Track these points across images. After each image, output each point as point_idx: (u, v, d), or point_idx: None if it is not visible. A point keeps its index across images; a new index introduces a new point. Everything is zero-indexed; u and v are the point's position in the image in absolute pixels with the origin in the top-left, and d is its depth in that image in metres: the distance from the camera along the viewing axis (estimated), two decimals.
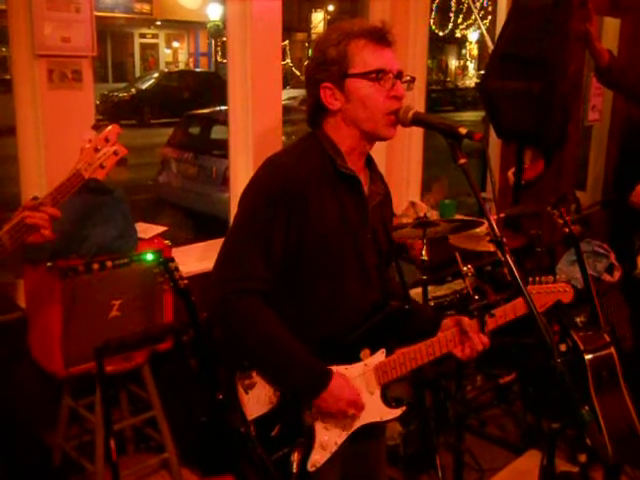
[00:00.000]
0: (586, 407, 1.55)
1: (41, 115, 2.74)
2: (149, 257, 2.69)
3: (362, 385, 1.78)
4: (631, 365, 3.29)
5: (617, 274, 3.71)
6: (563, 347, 3.02)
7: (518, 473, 2.85)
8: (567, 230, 3.08)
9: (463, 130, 1.65)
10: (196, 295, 2.74)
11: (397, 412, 1.84)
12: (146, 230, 2.92)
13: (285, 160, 1.74)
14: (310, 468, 1.73)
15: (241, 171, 3.59)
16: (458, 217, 4.11)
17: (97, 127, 1.99)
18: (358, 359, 1.79)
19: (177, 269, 2.67)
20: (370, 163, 1.87)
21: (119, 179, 1.92)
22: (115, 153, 1.91)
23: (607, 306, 3.88)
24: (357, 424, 1.79)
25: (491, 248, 3.16)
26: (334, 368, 1.74)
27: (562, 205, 3.10)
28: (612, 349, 2.96)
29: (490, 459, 3.23)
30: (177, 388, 3.01)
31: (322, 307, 1.77)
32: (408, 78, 1.75)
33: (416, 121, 1.74)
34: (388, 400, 1.83)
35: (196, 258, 3.47)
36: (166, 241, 2.95)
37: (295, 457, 1.72)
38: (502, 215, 3.42)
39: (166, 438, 2.97)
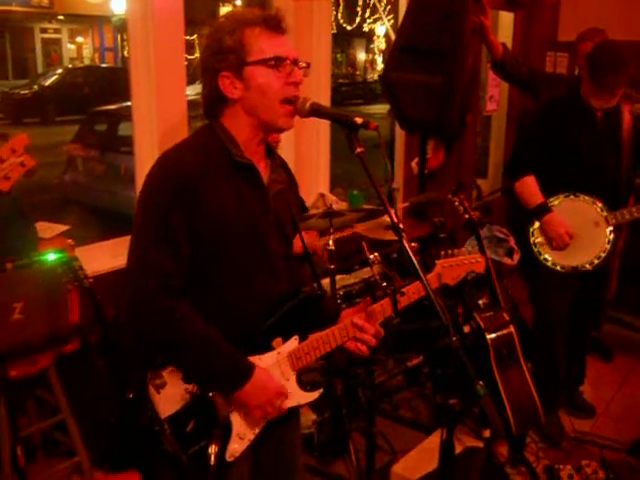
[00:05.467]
0: (480, 382, 1.63)
1: None
2: (51, 257, 2.63)
3: (277, 373, 1.80)
4: (531, 340, 3.47)
5: (517, 257, 3.88)
6: (467, 328, 3.15)
7: (426, 451, 2.94)
8: (467, 216, 3.20)
9: (359, 120, 1.70)
10: (103, 294, 2.70)
11: (313, 395, 1.87)
12: (47, 229, 2.84)
13: (176, 155, 1.74)
14: (228, 458, 1.75)
15: (147, 168, 3.51)
16: (366, 207, 4.19)
17: (3, 137, 1.89)
18: (270, 348, 1.81)
19: (81, 268, 2.63)
20: (271, 152, 1.89)
21: (23, 179, 1.84)
22: (22, 164, 1.82)
23: (508, 288, 4.07)
24: None
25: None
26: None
27: (462, 192, 3.21)
28: (511, 328, 3.11)
29: (402, 440, 3.33)
30: (86, 390, 2.95)
31: (228, 298, 1.78)
32: (304, 64, 1.77)
33: (313, 112, 1.77)
34: (303, 384, 1.86)
35: (103, 256, 3.39)
36: (69, 240, 2.87)
37: (212, 449, 1.73)
38: (406, 204, 3.52)
39: (76, 442, 2.90)
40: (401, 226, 1.73)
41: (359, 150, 1.70)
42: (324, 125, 4.45)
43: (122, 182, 7.18)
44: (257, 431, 1.80)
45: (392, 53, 3.91)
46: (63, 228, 2.90)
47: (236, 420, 1.77)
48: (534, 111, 3.55)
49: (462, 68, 3.70)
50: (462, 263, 2.05)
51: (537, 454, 3.32)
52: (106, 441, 2.92)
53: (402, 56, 3.79)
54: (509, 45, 4.67)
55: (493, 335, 3.06)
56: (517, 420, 3.08)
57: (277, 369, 1.80)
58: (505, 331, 3.08)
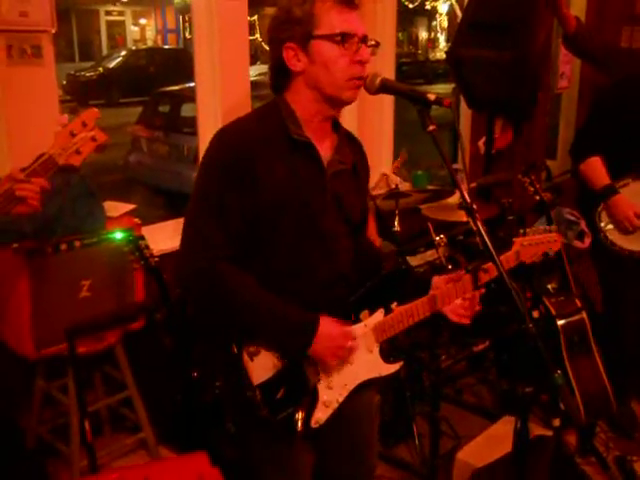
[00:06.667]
0: (558, 370, 1.57)
1: (1, 92, 2.67)
2: (118, 236, 2.66)
3: (362, 344, 1.82)
4: (601, 326, 3.34)
5: (587, 240, 3.73)
6: (536, 313, 3.06)
7: (493, 438, 2.87)
8: (538, 198, 3.09)
9: (432, 96, 1.65)
10: (168, 273, 2.72)
11: (395, 367, 1.89)
12: (114, 208, 2.88)
13: (233, 129, 1.74)
14: (314, 425, 1.78)
15: None
16: (429, 188, 4.11)
17: (74, 111, 1.87)
18: (358, 320, 1.84)
19: (147, 247, 2.65)
20: (338, 129, 1.84)
21: (89, 160, 1.84)
22: (93, 139, 1.79)
23: (579, 272, 3.93)
24: (357, 381, 1.84)
25: (463, 218, 3.17)
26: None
27: (532, 173, 3.10)
28: (583, 314, 3.00)
29: (466, 426, 3.27)
30: (151, 367, 2.99)
31: (282, 274, 1.77)
32: (373, 42, 1.72)
33: (384, 88, 1.72)
34: (386, 356, 1.87)
35: (168, 236, 3.42)
36: (136, 219, 2.91)
37: (299, 416, 1.77)
38: (474, 185, 3.42)
39: (142, 417, 2.96)
40: (475, 207, 1.67)
41: (432, 128, 1.65)
42: (388, 103, 4.38)
43: (185, 162, 7.26)
44: (340, 399, 1.82)
45: (460, 29, 3.80)
46: (130, 207, 2.93)
47: (322, 389, 1.80)
48: (605, 89, 3.38)
49: (533, 43, 3.56)
50: (540, 242, 2.01)
51: (607, 444, 3.21)
52: (171, 418, 2.96)
53: (470, 32, 3.68)
54: (582, 19, 4.47)
55: (564, 321, 2.96)
56: (587, 409, 2.98)
57: (362, 341, 1.83)
58: (577, 317, 2.97)
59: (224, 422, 2.75)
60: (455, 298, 1.86)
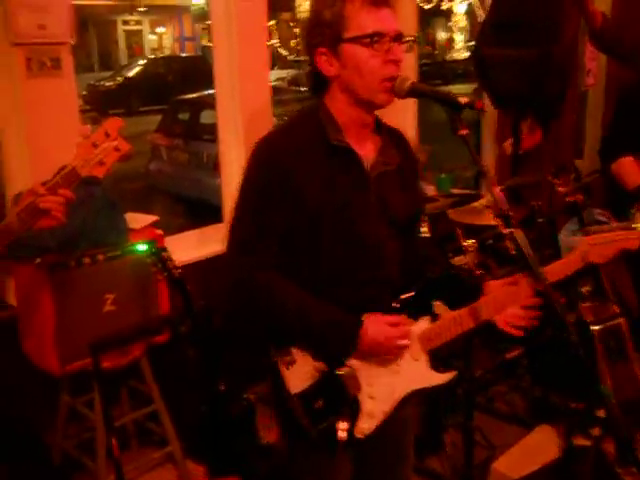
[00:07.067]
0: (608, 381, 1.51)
1: (21, 105, 2.65)
2: (141, 248, 2.62)
3: (406, 353, 1.75)
4: (637, 332, 3.24)
5: None
6: (570, 318, 2.97)
7: (529, 448, 2.80)
8: (570, 199, 3.01)
9: (463, 99, 1.59)
10: (192, 284, 2.67)
11: (447, 376, 1.80)
12: (136, 220, 2.84)
13: (274, 137, 1.73)
14: (358, 435, 1.72)
15: (232, 155, 3.51)
16: (455, 191, 4.03)
17: (96, 120, 1.82)
18: None
19: (170, 258, 2.61)
20: (381, 129, 1.79)
21: (117, 164, 1.80)
22: (116, 149, 1.71)
23: (611, 273, 3.82)
24: (404, 391, 1.77)
25: (491, 221, 3.09)
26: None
27: (562, 174, 3.02)
28: (621, 320, 2.90)
29: (500, 435, 3.17)
30: (177, 380, 2.95)
31: (323, 280, 1.72)
32: (410, 38, 1.67)
33: (413, 92, 1.66)
34: (436, 366, 1.79)
35: (190, 246, 3.39)
36: (158, 230, 2.87)
37: (342, 426, 1.70)
38: (502, 187, 3.34)
39: (169, 431, 2.92)
40: (511, 214, 1.60)
41: (463, 132, 1.59)
42: (411, 105, 4.31)
43: (205, 170, 7.24)
44: (387, 409, 1.75)
45: (483, 28, 3.73)
46: (152, 219, 2.90)
47: (364, 399, 1.73)
48: (631, 86, 3.29)
49: (560, 41, 3.48)
50: (613, 240, 1.82)
51: None
52: (198, 431, 2.91)
53: (495, 30, 3.61)
54: (608, 14, 4.37)
55: (599, 327, 2.87)
56: (625, 415, 2.88)
57: (407, 349, 1.75)
58: (613, 323, 2.88)
59: (253, 435, 2.70)
60: (508, 305, 1.76)
